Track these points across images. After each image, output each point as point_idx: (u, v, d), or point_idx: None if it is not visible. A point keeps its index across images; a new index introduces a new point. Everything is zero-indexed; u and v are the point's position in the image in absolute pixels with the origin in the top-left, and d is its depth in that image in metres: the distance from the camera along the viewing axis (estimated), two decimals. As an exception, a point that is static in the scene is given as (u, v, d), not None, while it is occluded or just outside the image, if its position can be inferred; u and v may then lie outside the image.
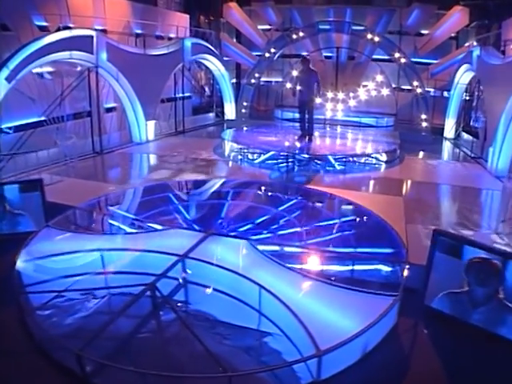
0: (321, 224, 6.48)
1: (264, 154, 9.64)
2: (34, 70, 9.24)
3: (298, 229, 6.07)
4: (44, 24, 9.42)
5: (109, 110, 11.46)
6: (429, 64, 13.91)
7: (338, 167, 9.26)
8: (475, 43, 11.95)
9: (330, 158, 9.34)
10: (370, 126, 13.65)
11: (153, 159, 10.26)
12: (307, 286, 4.42)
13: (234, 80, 16.05)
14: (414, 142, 11.75)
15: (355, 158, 9.61)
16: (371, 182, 8.68)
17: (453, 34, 14.15)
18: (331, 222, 6.51)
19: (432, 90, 13.92)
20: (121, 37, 11.06)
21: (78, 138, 9.96)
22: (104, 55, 9.87)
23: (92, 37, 9.50)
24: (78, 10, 9.98)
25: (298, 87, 10.33)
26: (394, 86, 14.29)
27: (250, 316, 4.03)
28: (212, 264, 4.54)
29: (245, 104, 14.71)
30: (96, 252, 4.98)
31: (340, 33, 13.52)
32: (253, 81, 14.58)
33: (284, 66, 15.72)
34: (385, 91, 13.44)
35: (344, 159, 9.46)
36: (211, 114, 15.31)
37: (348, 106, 13.90)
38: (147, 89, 11.11)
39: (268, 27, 15.61)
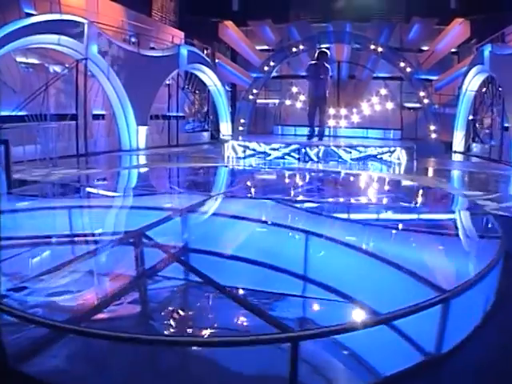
0: (367, 197, 5.50)
1: (270, 153, 8.80)
2: (19, 59, 8.52)
3: (344, 199, 5.09)
4: (33, 12, 8.76)
5: (97, 116, 10.62)
6: (431, 80, 13.50)
7: (356, 162, 8.42)
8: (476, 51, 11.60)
9: (343, 152, 8.48)
10: (378, 138, 12.98)
11: (146, 157, 9.41)
12: (375, 235, 3.37)
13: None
14: (427, 150, 10.98)
15: (374, 150, 8.75)
16: (399, 168, 7.89)
17: (454, 50, 13.90)
18: (380, 196, 5.53)
19: (436, 106, 13.39)
20: (114, 35, 10.40)
21: (61, 140, 9.09)
22: (95, 47, 9.15)
23: (83, 24, 8.81)
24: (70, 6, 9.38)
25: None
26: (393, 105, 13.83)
27: (287, 282, 2.76)
28: (225, 216, 3.49)
29: (242, 121, 14.00)
30: (65, 210, 4.00)
31: (341, 43, 13.09)
32: (251, 97, 13.96)
33: (281, 86, 15.21)
34: (389, 105, 12.90)
35: (362, 151, 8.61)
36: (205, 134, 14.54)
37: (351, 121, 13.29)
38: (140, 90, 10.32)
39: (266, 47, 15.24)
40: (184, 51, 11.91)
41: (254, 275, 2.74)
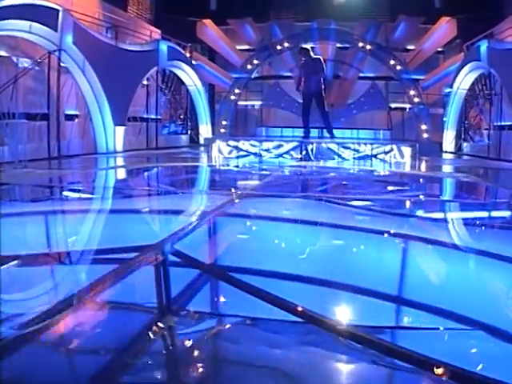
0: (413, 192, 4.93)
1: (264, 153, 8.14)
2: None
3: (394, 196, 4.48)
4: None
5: (70, 117, 9.71)
6: (418, 80, 13.21)
7: (361, 161, 7.90)
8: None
9: (344, 151, 7.93)
10: (369, 139, 12.56)
11: (132, 159, 8.60)
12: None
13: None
14: (422, 150, 10.61)
15: (377, 149, 8.25)
16: (417, 165, 7.49)
17: (440, 49, 13.69)
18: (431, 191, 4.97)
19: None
20: (90, 26, 9.52)
21: (31, 141, 8.21)
22: (70, 37, 8.30)
23: (58, 11, 7.96)
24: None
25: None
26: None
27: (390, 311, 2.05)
28: (267, 219, 2.78)
29: (224, 123, 13.31)
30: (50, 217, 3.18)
31: (326, 41, 12.61)
32: (232, 97, 13.31)
33: (263, 87, 14.65)
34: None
35: (362, 151, 8.09)
36: (184, 137, 13.75)
37: (339, 122, 12.83)
38: (117, 87, 9.49)
39: (246, 47, 14.64)
40: (164, 47, 11.17)
41: (340, 302, 2.01)
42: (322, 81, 8.81)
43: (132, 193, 4.33)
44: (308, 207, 3.32)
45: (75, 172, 6.93)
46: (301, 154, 7.79)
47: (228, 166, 7.18)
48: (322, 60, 9.00)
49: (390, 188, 5.33)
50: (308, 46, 9.40)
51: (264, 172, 6.03)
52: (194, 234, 2.48)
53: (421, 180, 6.02)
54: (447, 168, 7.83)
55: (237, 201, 3.31)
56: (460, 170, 7.27)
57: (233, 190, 4.10)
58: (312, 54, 8.99)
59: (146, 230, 2.90)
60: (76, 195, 4.56)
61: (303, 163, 7.49)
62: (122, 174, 6.50)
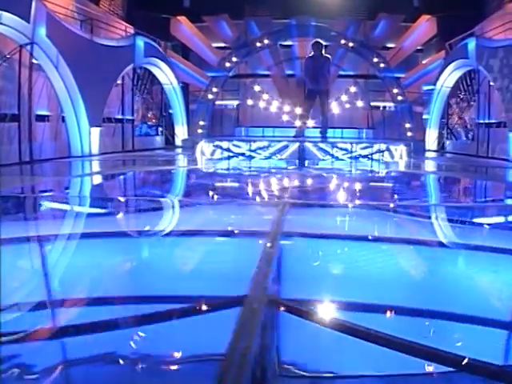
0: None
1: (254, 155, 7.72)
2: None
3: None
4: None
5: (41, 118, 8.95)
6: (399, 78, 13.11)
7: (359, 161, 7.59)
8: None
9: (338, 150, 7.61)
10: (354, 138, 12.34)
11: (117, 162, 7.97)
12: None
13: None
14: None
15: (371, 149, 7.98)
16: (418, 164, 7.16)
17: (419, 47, 13.66)
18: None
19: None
20: (64, 18, 8.81)
21: (0, 144, 7.47)
22: (43, 29, 7.61)
23: (31, 0, 7.25)
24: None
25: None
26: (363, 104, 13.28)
27: None
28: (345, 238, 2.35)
29: (201, 124, 12.78)
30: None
31: (305, 37, 12.28)
32: (210, 96, 12.80)
33: (239, 86, 14.20)
34: (359, 103, 12.31)
35: (355, 150, 7.79)
36: (158, 138, 13.11)
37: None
38: (93, 84, 8.83)
39: (222, 45, 14.14)
40: (140, 43, 10.56)
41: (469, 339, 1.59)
42: (328, 79, 8.54)
43: (153, 206, 3.68)
44: (372, 218, 2.91)
45: (62, 180, 6.26)
46: (298, 154, 7.42)
47: (230, 169, 6.69)
48: (331, 60, 8.77)
49: (438, 191, 5.00)
50: (320, 40, 9.04)
51: (278, 175, 5.58)
52: (275, 266, 2.00)
53: (460, 181, 5.69)
54: (457, 167, 7.66)
55: (286, 213, 2.82)
56: (472, 170, 7.11)
57: (268, 199, 3.63)
58: (323, 51, 8.68)
59: (212, 263, 2.34)
60: (84, 211, 3.91)
61: (305, 164, 7.13)
62: (124, 180, 5.82)
